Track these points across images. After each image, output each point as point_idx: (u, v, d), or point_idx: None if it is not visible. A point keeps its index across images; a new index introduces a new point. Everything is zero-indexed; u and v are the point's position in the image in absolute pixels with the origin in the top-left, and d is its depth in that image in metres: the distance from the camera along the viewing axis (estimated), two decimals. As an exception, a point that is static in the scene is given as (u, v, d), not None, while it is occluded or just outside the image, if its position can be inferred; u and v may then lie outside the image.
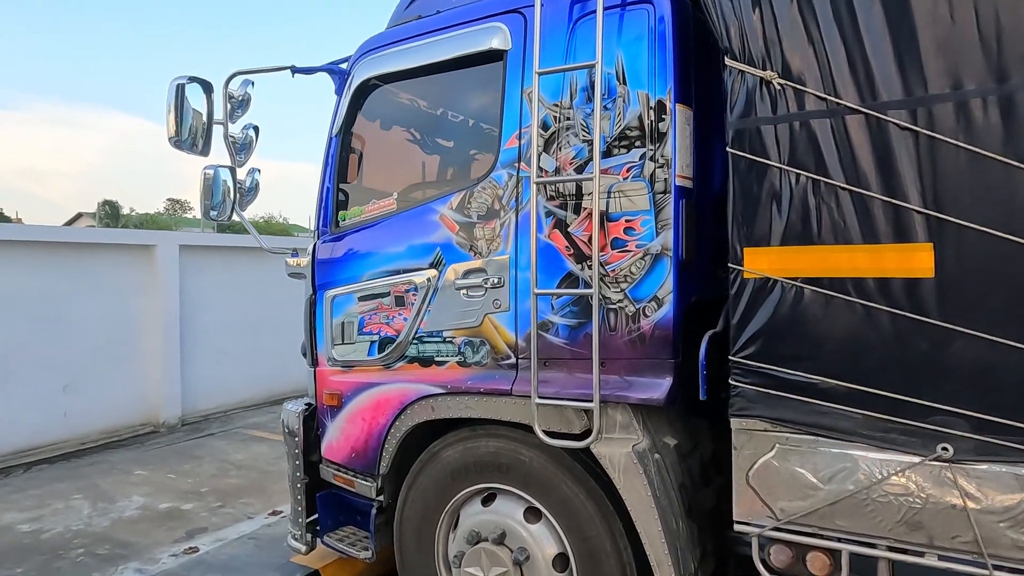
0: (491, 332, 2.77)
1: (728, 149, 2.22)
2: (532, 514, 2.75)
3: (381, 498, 3.15)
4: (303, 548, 3.39)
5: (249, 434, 6.75)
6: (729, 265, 2.23)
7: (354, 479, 3.22)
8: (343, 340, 3.25)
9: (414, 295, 2.97)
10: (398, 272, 3.04)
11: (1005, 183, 1.86)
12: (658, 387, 2.43)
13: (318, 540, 3.41)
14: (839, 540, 2.12)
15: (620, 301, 2.50)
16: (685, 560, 2.39)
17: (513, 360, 2.72)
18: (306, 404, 3.45)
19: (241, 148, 3.29)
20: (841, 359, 2.06)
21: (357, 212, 3.26)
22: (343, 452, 3.25)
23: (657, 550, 2.38)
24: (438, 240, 2.91)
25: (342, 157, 3.28)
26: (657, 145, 2.43)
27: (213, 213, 3.29)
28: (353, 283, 3.20)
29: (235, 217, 3.36)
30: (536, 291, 2.54)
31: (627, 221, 2.48)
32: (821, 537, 2.14)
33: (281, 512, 4.52)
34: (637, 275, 2.46)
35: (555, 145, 2.61)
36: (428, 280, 2.93)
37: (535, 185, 2.60)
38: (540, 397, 2.53)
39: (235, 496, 4.93)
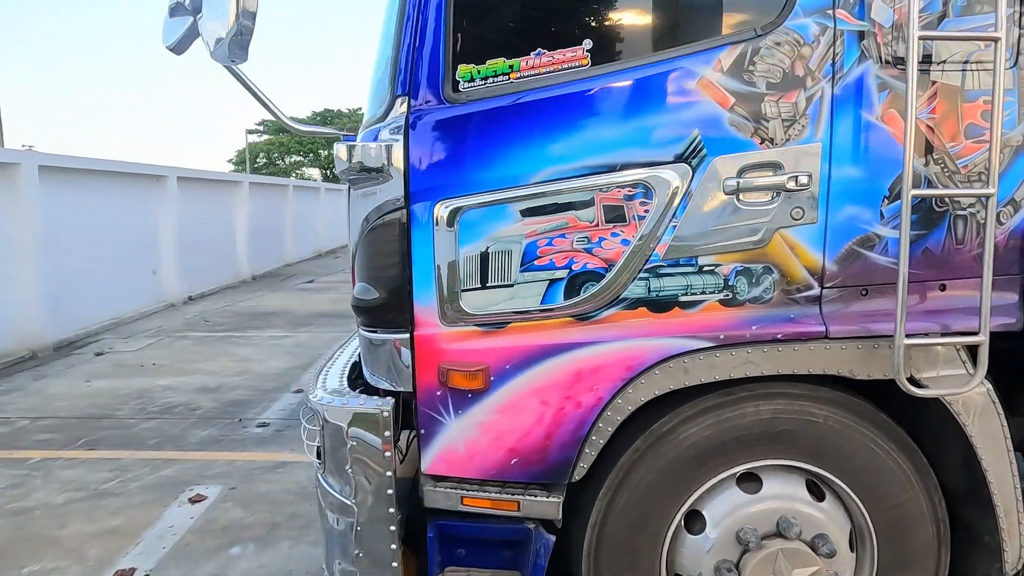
0: (783, 254, 1.95)
1: None
2: (813, 492, 2.11)
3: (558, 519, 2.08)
4: (403, 623, 2.09)
5: None
6: None
7: (519, 498, 2.05)
8: (486, 282, 1.98)
9: (644, 204, 1.92)
10: (611, 168, 1.93)
11: None
12: (1011, 310, 2.00)
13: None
14: None
15: (971, 206, 1.97)
16: (1025, 506, 2.08)
17: (816, 291, 1.97)
18: (382, 395, 2.07)
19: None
20: None
21: (502, 68, 1.95)
22: (490, 460, 2.04)
23: (1008, 499, 2.03)
24: (695, 119, 1.91)
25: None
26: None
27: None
28: (509, 187, 1.94)
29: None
30: (914, 192, 1.83)
31: (985, 102, 1.93)
32: None
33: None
34: (988, 173, 1.95)
35: (891, -11, 1.88)
36: (675, 180, 1.91)
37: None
38: (908, 336, 1.87)
39: None
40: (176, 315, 10.08)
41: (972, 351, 1.97)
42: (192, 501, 3.84)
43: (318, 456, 2.29)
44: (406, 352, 2.05)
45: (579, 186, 1.93)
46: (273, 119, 2.22)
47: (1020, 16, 1.92)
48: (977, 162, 1.95)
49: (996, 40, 1.80)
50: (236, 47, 1.78)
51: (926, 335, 1.94)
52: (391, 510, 2.04)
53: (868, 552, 2.12)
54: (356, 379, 2.36)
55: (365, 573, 2.09)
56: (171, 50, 2.05)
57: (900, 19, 1.89)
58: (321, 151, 53.28)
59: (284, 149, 52.59)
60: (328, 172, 53.02)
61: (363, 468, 2.04)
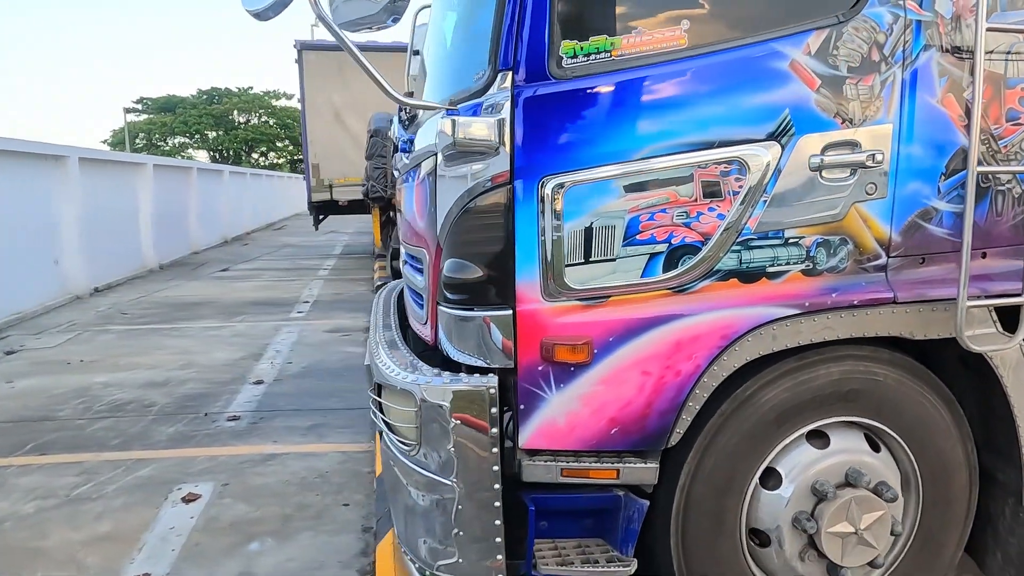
0: (858, 227, 2.11)
1: None
2: (870, 444, 2.31)
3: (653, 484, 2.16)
4: (506, 599, 2.11)
5: None
6: None
7: (618, 466, 2.11)
8: (589, 257, 2.01)
9: (739, 180, 2.02)
10: (709, 145, 2.00)
11: None
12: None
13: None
14: None
15: (1009, 182, 2.21)
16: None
17: (883, 260, 2.15)
18: (477, 375, 2.06)
19: None
20: None
21: (604, 45, 1.97)
22: (590, 431, 2.09)
23: (1026, 433, 2.31)
24: (785, 99, 2.02)
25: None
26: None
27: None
28: (614, 162, 1.98)
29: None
30: (978, 169, 2.03)
31: (1023, 89, 2.17)
32: None
33: None
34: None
35: (954, -18, 2.06)
36: (766, 157, 2.02)
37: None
38: (970, 299, 2.08)
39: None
40: (86, 308, 9.29)
41: (999, 312, 2.23)
42: (186, 500, 3.62)
43: (395, 433, 2.26)
44: (496, 329, 2.05)
45: (680, 163, 2.00)
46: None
47: (1050, 13, 2.16)
48: (1015, 142, 2.18)
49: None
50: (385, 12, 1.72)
51: (979, 297, 2.16)
52: (496, 486, 2.05)
53: (913, 496, 2.35)
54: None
55: (465, 550, 2.09)
56: (255, 15, 1.91)
57: (958, 11, 2.08)
58: (209, 132, 50.20)
59: (166, 130, 49.08)
60: (218, 155, 50.06)
61: (467, 446, 2.03)
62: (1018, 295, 2.15)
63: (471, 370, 2.13)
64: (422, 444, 2.11)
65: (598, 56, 1.97)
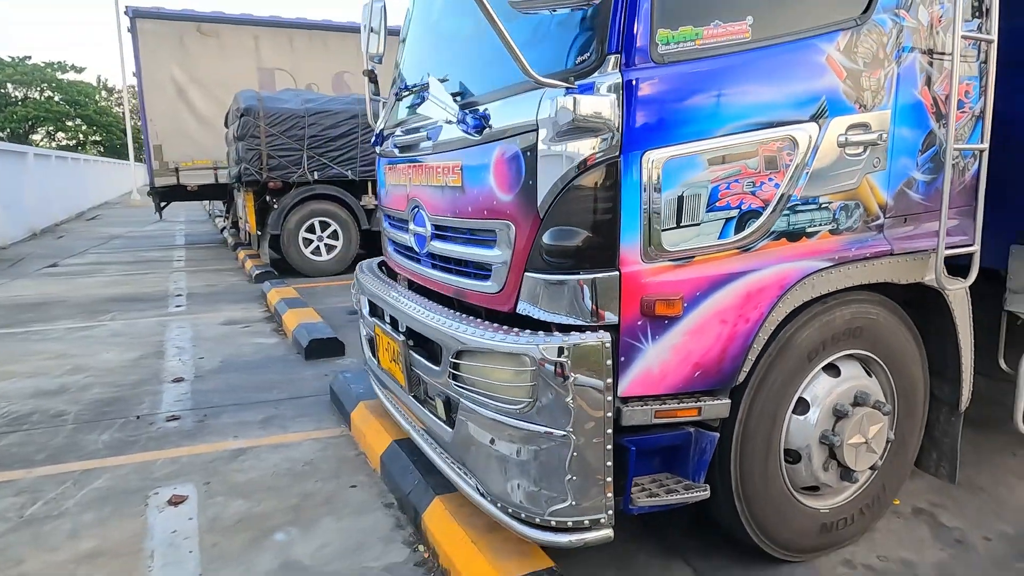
0: (867, 193, 2.59)
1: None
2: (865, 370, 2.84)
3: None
4: (609, 530, 2.34)
5: None
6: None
7: (700, 404, 2.41)
8: (681, 222, 2.28)
9: (790, 155, 2.40)
10: (771, 125, 2.36)
11: None
12: (972, 232, 2.91)
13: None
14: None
15: (956, 157, 2.81)
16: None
17: (881, 221, 2.65)
18: (588, 331, 2.26)
19: None
20: None
21: (690, 35, 2.23)
22: (678, 376, 2.37)
23: (967, 357, 2.96)
24: (823, 87, 2.42)
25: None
26: (984, 20, 2.77)
27: None
28: (704, 138, 2.26)
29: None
30: (957, 146, 2.58)
31: (966, 84, 2.77)
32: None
33: None
34: (966, 134, 2.81)
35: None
36: (809, 136, 2.42)
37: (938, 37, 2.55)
38: (948, 248, 2.65)
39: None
40: None
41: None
42: (172, 503, 3.37)
43: (489, 396, 2.39)
44: (599, 290, 2.26)
45: (750, 140, 2.33)
46: None
47: (980, 25, 2.77)
48: (962, 126, 2.78)
49: (991, 41, 2.63)
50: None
51: (947, 248, 2.74)
52: (609, 431, 2.27)
53: (893, 410, 2.92)
54: None
55: (578, 494, 2.29)
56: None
57: (932, 20, 2.62)
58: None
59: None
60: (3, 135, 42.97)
61: (584, 398, 2.22)
62: (970, 245, 2.77)
63: (560, 329, 2.32)
64: (537, 400, 2.26)
65: (685, 44, 2.23)
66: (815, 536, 2.80)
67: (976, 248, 2.78)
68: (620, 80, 2.14)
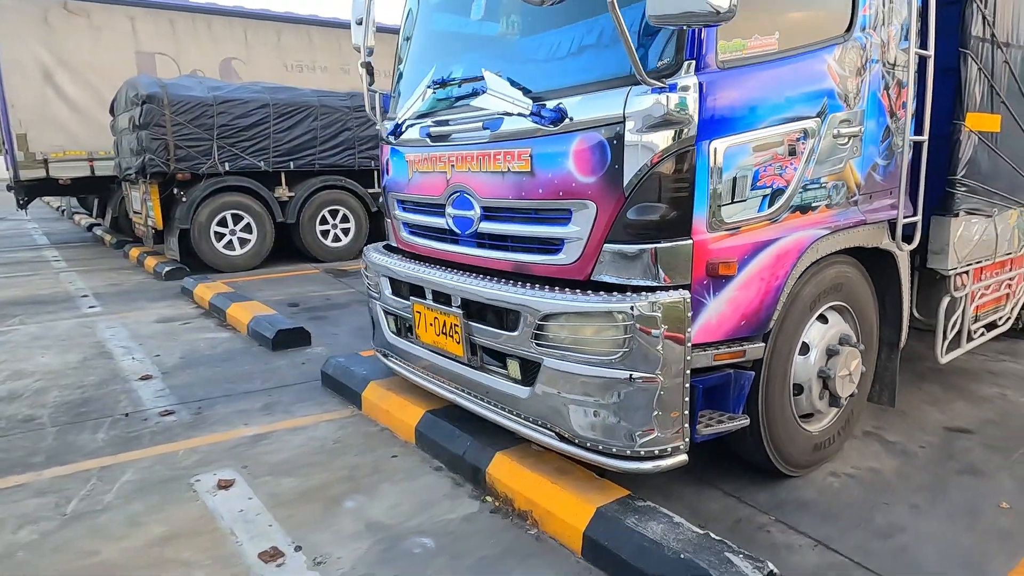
0: (849, 175, 3.25)
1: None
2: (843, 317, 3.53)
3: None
4: (685, 455, 2.82)
5: None
6: (953, 122, 3.72)
7: (744, 347, 2.95)
8: (734, 198, 2.80)
9: (803, 144, 2.99)
10: (793, 119, 2.93)
11: None
12: (915, 206, 3.67)
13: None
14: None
15: (900, 146, 3.56)
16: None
17: (857, 197, 3.33)
18: (660, 291, 2.71)
19: None
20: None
21: (739, 46, 2.74)
22: (730, 324, 2.89)
23: (906, 305, 3.76)
24: (825, 89, 3.04)
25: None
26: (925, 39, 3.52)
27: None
28: (750, 130, 2.79)
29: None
30: (912, 138, 3.31)
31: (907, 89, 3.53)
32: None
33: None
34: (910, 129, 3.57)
35: (886, 22, 3.29)
36: (816, 128, 3.02)
37: (909, 53, 3.27)
38: (906, 218, 3.38)
39: None
40: None
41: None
42: (222, 486, 3.43)
43: (581, 350, 2.78)
44: (674, 256, 2.72)
45: (780, 131, 2.89)
46: None
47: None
48: (903, 123, 3.54)
49: (928, 56, 3.38)
50: None
51: (903, 219, 3.47)
52: (688, 372, 2.74)
53: (864, 348, 3.64)
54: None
55: (663, 426, 2.74)
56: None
57: (889, 38, 3.32)
58: None
59: None
60: None
61: (670, 346, 2.68)
62: (915, 216, 3.55)
63: (634, 290, 2.76)
64: (632, 351, 2.68)
65: (736, 53, 2.74)
66: (810, 454, 3.46)
67: (919, 218, 3.56)
68: (697, 81, 2.61)
